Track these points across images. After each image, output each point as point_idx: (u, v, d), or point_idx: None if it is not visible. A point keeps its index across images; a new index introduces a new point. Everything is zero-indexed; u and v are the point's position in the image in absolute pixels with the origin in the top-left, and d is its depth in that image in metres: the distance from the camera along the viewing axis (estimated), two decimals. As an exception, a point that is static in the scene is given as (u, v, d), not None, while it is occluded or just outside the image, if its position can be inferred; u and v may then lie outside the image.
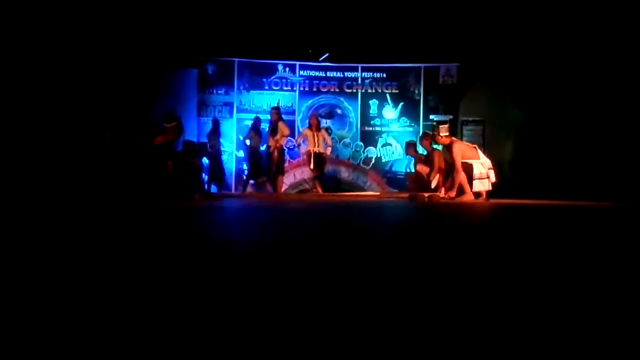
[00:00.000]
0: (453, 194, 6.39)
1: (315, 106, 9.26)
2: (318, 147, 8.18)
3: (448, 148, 6.49)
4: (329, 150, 8.39)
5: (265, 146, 8.37)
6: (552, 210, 4.29)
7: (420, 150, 8.14)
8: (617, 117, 7.69)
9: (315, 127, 8.23)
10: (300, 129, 9.14)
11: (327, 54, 9.41)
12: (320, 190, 8.24)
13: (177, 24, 8.30)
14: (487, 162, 6.53)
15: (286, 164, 8.68)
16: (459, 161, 6.29)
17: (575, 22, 7.65)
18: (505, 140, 9.20)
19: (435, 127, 6.71)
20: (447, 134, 6.55)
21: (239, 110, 9.10)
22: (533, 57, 8.52)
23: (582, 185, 7.49)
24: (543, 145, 8.59)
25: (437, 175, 7.23)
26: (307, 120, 8.55)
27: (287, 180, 8.92)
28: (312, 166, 8.25)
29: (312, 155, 8.19)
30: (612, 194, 6.56)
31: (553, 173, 8.30)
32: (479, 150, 6.61)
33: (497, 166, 6.76)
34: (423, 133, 8.35)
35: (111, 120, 7.87)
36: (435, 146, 7.97)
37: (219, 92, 9.07)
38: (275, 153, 8.09)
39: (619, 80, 7.63)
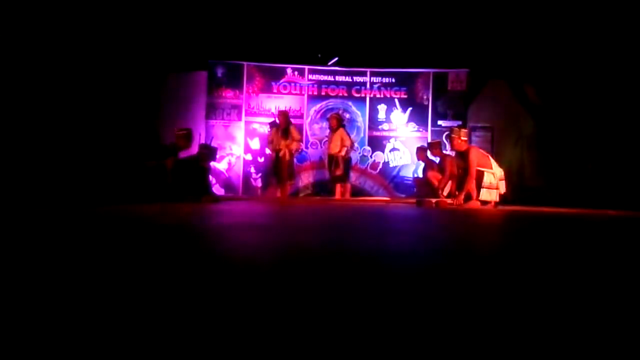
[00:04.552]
0: (460, 199, 6.36)
1: (323, 110, 9.26)
2: (329, 148, 8.18)
3: (463, 154, 6.44)
4: (342, 151, 8.06)
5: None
6: (560, 218, 4.25)
7: (431, 156, 8.10)
8: (633, 122, 7.61)
9: (331, 128, 8.25)
10: (308, 133, 9.21)
11: (336, 58, 9.42)
12: (338, 195, 8.05)
13: (186, 27, 8.35)
14: (499, 172, 6.47)
15: (293, 168, 8.54)
16: (474, 167, 6.25)
17: (589, 25, 7.59)
18: (514, 147, 9.14)
19: (455, 130, 6.64)
20: (466, 139, 6.53)
21: (247, 114, 9.13)
22: (544, 62, 8.47)
23: (594, 193, 7.42)
24: (553, 152, 8.53)
25: (449, 182, 7.19)
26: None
27: (295, 184, 8.91)
28: (327, 169, 8.33)
29: (327, 157, 8.24)
30: (627, 203, 6.47)
31: (563, 180, 8.24)
32: (492, 160, 6.56)
33: (505, 173, 6.70)
34: (429, 144, 8.26)
35: (119, 121, 7.90)
36: (446, 152, 7.95)
37: (228, 94, 9.10)
38: (287, 157, 8.08)
39: (634, 84, 7.55)
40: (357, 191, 8.97)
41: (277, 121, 8.35)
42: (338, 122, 8.20)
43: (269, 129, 8.61)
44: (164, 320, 0.75)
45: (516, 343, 0.69)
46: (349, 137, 8.24)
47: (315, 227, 2.75)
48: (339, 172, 8.06)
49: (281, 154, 8.13)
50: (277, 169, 8.19)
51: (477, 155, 6.38)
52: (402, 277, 1.16)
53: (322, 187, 8.92)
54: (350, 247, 1.78)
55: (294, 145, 8.10)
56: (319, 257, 1.47)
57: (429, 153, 8.11)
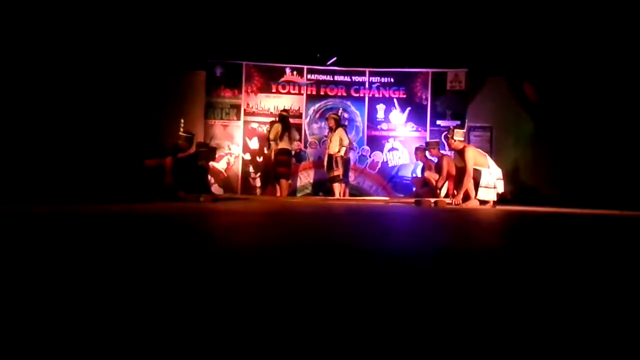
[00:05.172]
0: (459, 199, 6.36)
1: (322, 110, 9.26)
2: (328, 148, 8.20)
3: (460, 153, 6.45)
4: (341, 151, 8.05)
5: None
6: (558, 218, 4.25)
7: (429, 156, 8.11)
8: (632, 122, 7.61)
9: (330, 128, 8.27)
10: (307, 132, 9.23)
11: (334, 58, 9.41)
12: (336, 193, 8.03)
13: (185, 26, 8.34)
14: (497, 172, 6.47)
15: (287, 168, 8.33)
16: (471, 165, 6.26)
17: (588, 25, 7.59)
18: (513, 147, 9.15)
19: (449, 130, 6.67)
20: (462, 139, 6.54)
21: (246, 113, 9.12)
22: (543, 62, 8.47)
23: (594, 193, 7.41)
24: (552, 152, 8.53)
25: (447, 182, 7.19)
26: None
27: (294, 184, 8.93)
28: (325, 169, 8.32)
29: (326, 157, 8.25)
30: (626, 203, 6.48)
31: (562, 180, 8.24)
32: (489, 159, 6.57)
33: (504, 173, 6.71)
34: (427, 143, 8.25)
35: (118, 120, 7.89)
36: (444, 152, 7.95)
37: (227, 94, 9.09)
38: (272, 157, 8.12)
39: (633, 83, 7.56)
40: (355, 191, 8.98)
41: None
42: (336, 122, 8.21)
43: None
44: (165, 313, 0.75)
45: (512, 341, 0.69)
46: (347, 136, 8.23)
47: (314, 227, 2.75)
48: (337, 172, 8.06)
49: (271, 153, 8.25)
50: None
51: (474, 155, 6.39)
52: (399, 274, 1.16)
53: (321, 187, 8.92)
54: (350, 246, 1.78)
55: (272, 145, 8.12)
56: (317, 257, 1.47)
57: (427, 153, 8.12)
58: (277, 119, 8.36)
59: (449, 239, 2.26)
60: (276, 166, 8.09)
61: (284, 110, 8.61)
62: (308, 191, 9.12)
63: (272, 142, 8.13)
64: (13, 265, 1.20)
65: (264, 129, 8.95)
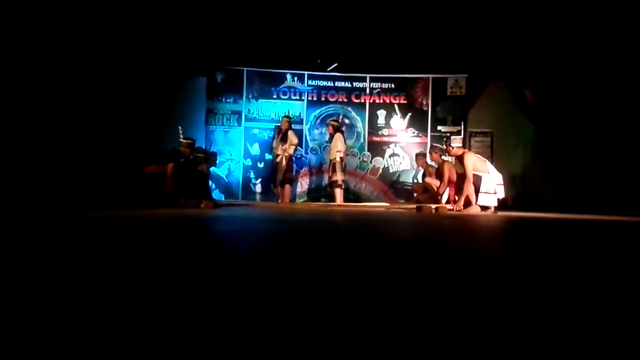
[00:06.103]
0: (460, 205, 6.35)
1: (323, 115, 9.28)
2: (328, 154, 8.24)
3: (460, 159, 6.46)
4: (336, 157, 8.06)
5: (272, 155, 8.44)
6: (560, 224, 4.24)
7: (430, 162, 8.11)
8: (632, 126, 7.60)
9: (329, 134, 8.32)
10: (308, 138, 9.23)
11: (335, 64, 9.43)
12: (337, 199, 8.01)
13: (186, 33, 8.36)
14: (498, 177, 6.47)
15: (292, 173, 8.47)
16: (470, 171, 6.25)
17: (588, 30, 7.60)
18: (514, 152, 9.15)
19: (447, 138, 6.69)
20: (460, 145, 6.56)
21: (247, 119, 9.14)
22: (543, 67, 8.48)
23: (595, 198, 7.40)
24: (553, 157, 8.52)
25: (447, 188, 7.19)
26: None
27: (294, 190, 8.92)
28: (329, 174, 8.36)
29: (329, 163, 8.34)
30: (627, 208, 6.46)
31: (563, 185, 8.23)
32: (489, 164, 6.57)
33: (505, 178, 6.70)
34: (432, 146, 8.29)
35: (119, 127, 7.90)
36: (445, 158, 7.95)
37: (228, 100, 9.12)
38: (284, 162, 8.08)
39: (633, 88, 7.55)
40: (356, 197, 8.99)
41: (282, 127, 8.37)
42: (334, 129, 8.25)
43: (274, 134, 8.61)
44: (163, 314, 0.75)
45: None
46: (342, 142, 8.24)
47: (316, 234, 2.75)
48: (336, 177, 8.10)
49: (278, 159, 8.18)
50: (275, 174, 8.23)
51: (473, 161, 6.39)
52: (401, 274, 1.16)
53: (322, 193, 8.92)
54: (350, 251, 1.78)
55: (290, 150, 8.08)
56: (318, 264, 1.47)
57: (428, 157, 8.12)
58: (288, 125, 8.25)
59: (450, 244, 2.26)
60: (285, 172, 8.11)
61: (288, 116, 8.60)
62: (308, 197, 9.12)
63: (293, 146, 8.12)
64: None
65: (265, 134, 8.97)
